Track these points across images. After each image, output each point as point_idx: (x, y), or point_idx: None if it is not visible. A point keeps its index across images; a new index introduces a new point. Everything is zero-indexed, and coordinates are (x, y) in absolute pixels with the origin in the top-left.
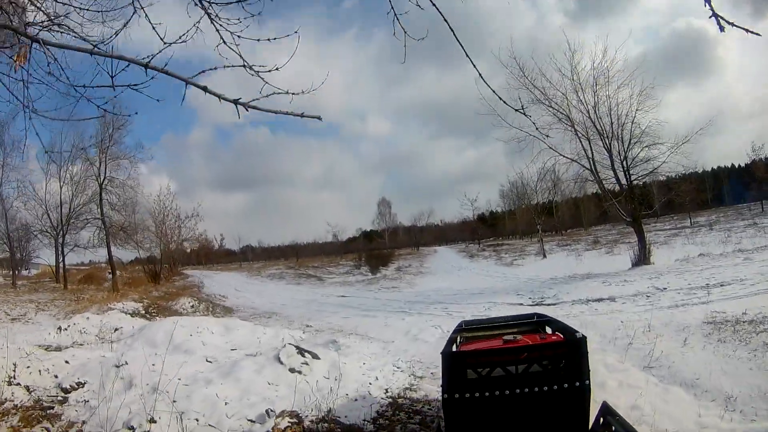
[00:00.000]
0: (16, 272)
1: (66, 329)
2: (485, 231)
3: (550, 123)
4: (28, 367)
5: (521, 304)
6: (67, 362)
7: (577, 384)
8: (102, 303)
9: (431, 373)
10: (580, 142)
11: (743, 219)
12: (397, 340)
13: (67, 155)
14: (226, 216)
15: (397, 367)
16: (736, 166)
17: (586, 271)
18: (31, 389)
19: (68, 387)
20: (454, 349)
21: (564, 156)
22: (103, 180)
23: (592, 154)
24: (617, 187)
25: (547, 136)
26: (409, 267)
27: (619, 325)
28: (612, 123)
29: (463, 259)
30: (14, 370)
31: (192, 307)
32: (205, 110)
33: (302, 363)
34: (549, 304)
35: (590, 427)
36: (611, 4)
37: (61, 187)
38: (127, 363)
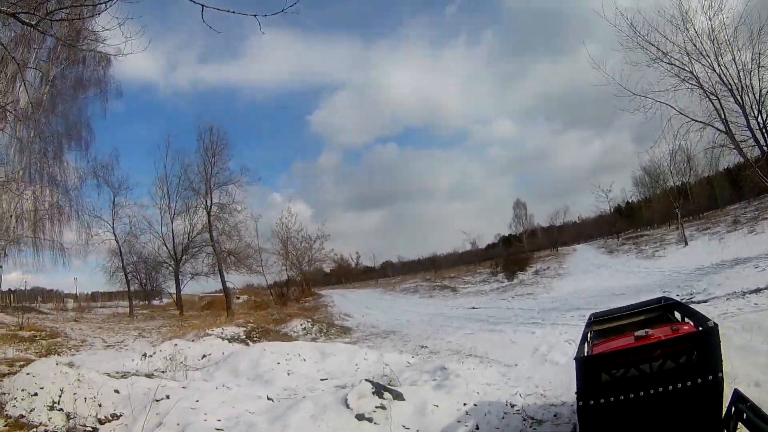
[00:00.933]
0: (149, 302)
1: (151, 356)
2: (622, 223)
3: (674, 85)
4: (75, 393)
5: None
6: (116, 391)
7: (710, 378)
8: (202, 328)
9: (554, 416)
10: (710, 100)
11: None
12: (521, 362)
13: (175, 186)
14: (363, 234)
15: (512, 405)
16: None
17: (732, 256)
18: (71, 416)
19: (104, 417)
20: (586, 350)
21: (695, 120)
22: (210, 206)
23: (725, 114)
24: (757, 151)
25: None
26: (547, 270)
27: None
28: (739, 72)
29: (602, 256)
30: (60, 396)
31: (304, 329)
32: (331, 133)
33: (377, 407)
34: (700, 301)
35: (722, 416)
36: None
37: (172, 219)
38: (168, 397)
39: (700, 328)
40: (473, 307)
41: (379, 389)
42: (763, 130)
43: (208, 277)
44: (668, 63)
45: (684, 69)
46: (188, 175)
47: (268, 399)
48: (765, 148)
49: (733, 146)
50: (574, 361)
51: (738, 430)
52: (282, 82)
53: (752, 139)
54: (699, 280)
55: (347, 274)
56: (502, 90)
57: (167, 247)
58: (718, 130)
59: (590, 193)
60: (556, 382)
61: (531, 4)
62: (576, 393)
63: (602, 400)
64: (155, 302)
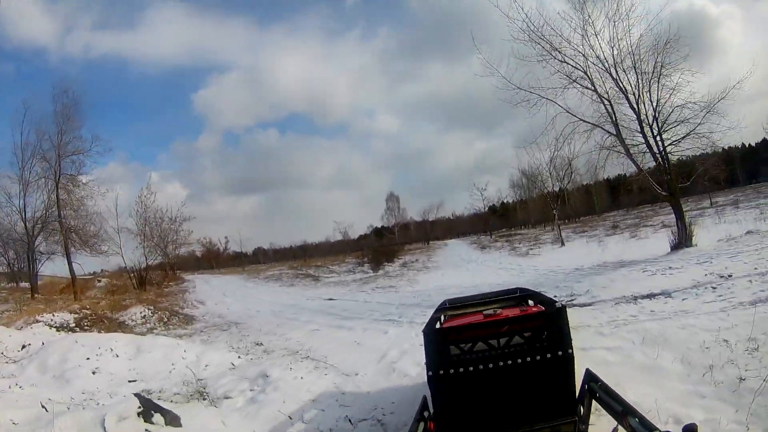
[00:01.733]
0: (16, 283)
1: None
2: (497, 222)
3: (564, 84)
4: None
5: None
6: None
7: (560, 353)
8: (34, 314)
9: None
10: (602, 104)
11: (766, 197)
12: (364, 370)
13: (29, 155)
14: (240, 219)
15: None
16: (747, 146)
17: (615, 258)
18: None
19: None
20: (437, 326)
21: (584, 120)
22: (59, 177)
23: (616, 118)
24: (649, 156)
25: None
26: (415, 262)
27: (702, 339)
28: (639, 79)
29: (474, 251)
30: None
31: (143, 317)
32: (214, 114)
33: None
34: (583, 304)
35: (577, 395)
36: None
37: (24, 191)
38: None
39: (546, 308)
40: (330, 299)
41: (148, 409)
42: (657, 138)
43: (52, 257)
44: (561, 61)
45: (578, 68)
46: (41, 143)
47: (42, 407)
48: (658, 155)
49: (622, 151)
50: (423, 334)
51: (592, 406)
52: (172, 58)
53: (644, 145)
54: (579, 280)
55: (217, 259)
56: (391, 86)
57: (24, 223)
58: (609, 132)
59: (466, 191)
60: (401, 403)
61: (433, 7)
62: (426, 364)
63: (451, 371)
64: (24, 284)
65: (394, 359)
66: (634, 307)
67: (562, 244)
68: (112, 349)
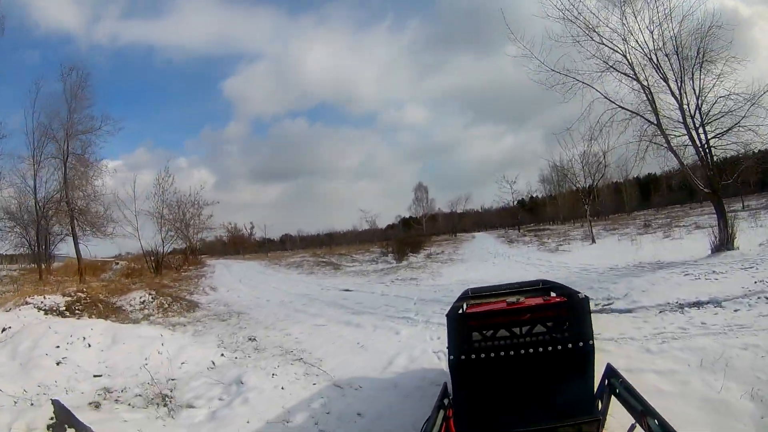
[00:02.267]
0: (38, 265)
1: None
2: (525, 216)
3: (602, 69)
4: None
5: None
6: None
7: (581, 344)
8: (26, 295)
9: None
10: (643, 91)
11: None
12: (361, 382)
13: (39, 134)
14: (266, 207)
15: None
16: None
17: (652, 258)
18: None
19: None
20: (459, 312)
21: (624, 108)
22: (66, 157)
23: (656, 106)
24: (690, 150)
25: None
26: (441, 254)
27: None
28: (680, 64)
29: (502, 245)
30: None
31: (142, 302)
32: (242, 102)
33: None
34: (622, 310)
35: (596, 390)
36: None
37: (35, 172)
38: None
39: (569, 298)
40: (346, 290)
41: (61, 422)
42: (699, 130)
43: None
44: (598, 43)
45: (617, 52)
46: (51, 123)
47: None
48: (701, 149)
49: (663, 143)
50: (446, 318)
51: (610, 402)
52: (201, 46)
53: (686, 137)
54: (615, 282)
55: (243, 245)
56: (419, 78)
57: (35, 204)
58: (649, 122)
59: (495, 184)
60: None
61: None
62: (447, 348)
63: (473, 356)
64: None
65: (400, 369)
66: (682, 317)
67: (593, 241)
68: (84, 338)
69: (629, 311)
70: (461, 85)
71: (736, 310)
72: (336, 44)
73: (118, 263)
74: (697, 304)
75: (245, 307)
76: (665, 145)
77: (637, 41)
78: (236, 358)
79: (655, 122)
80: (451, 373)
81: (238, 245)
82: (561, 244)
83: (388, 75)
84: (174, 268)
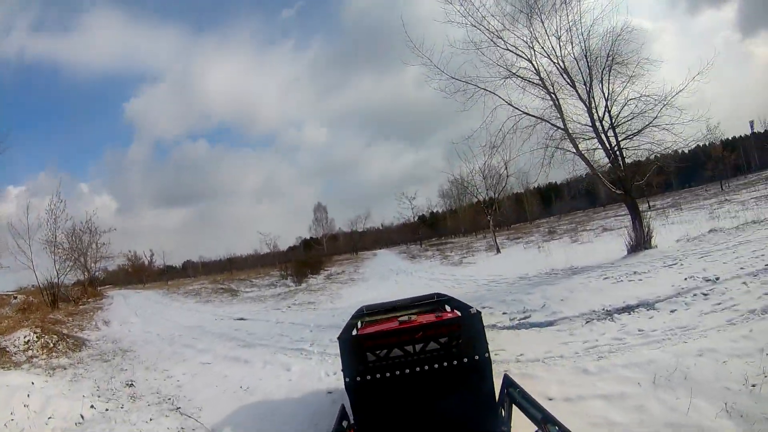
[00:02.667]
0: None
1: None
2: (426, 232)
3: (506, 76)
4: None
5: (495, 326)
6: None
7: (476, 358)
8: None
9: None
10: (549, 96)
11: (706, 198)
12: None
13: None
14: (170, 232)
15: None
16: (680, 152)
17: (564, 264)
18: None
19: None
20: (353, 333)
21: (528, 114)
22: None
23: (562, 111)
24: (600, 154)
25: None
26: (341, 274)
27: (740, 372)
28: (590, 68)
29: (404, 261)
30: None
31: (26, 342)
32: (144, 124)
33: None
34: (542, 324)
35: (497, 399)
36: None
37: None
38: None
39: (462, 313)
40: (240, 318)
41: None
42: (608, 133)
43: None
44: (504, 49)
45: (522, 57)
46: None
47: None
48: (611, 151)
49: (570, 148)
50: (338, 341)
51: (512, 410)
52: (106, 65)
53: (596, 140)
54: (529, 292)
55: (145, 273)
56: (320, 97)
57: None
58: (556, 126)
59: (395, 200)
60: None
61: (365, 18)
62: (342, 370)
63: (369, 377)
64: None
65: (286, 419)
66: (614, 326)
67: (498, 251)
68: None
69: (551, 324)
70: (362, 104)
71: (673, 311)
72: (238, 64)
73: (16, 297)
74: (627, 309)
75: (133, 344)
76: (573, 150)
77: (543, 47)
78: (107, 410)
79: (562, 127)
80: (349, 395)
81: (140, 274)
82: (465, 257)
83: (289, 94)
84: (72, 301)
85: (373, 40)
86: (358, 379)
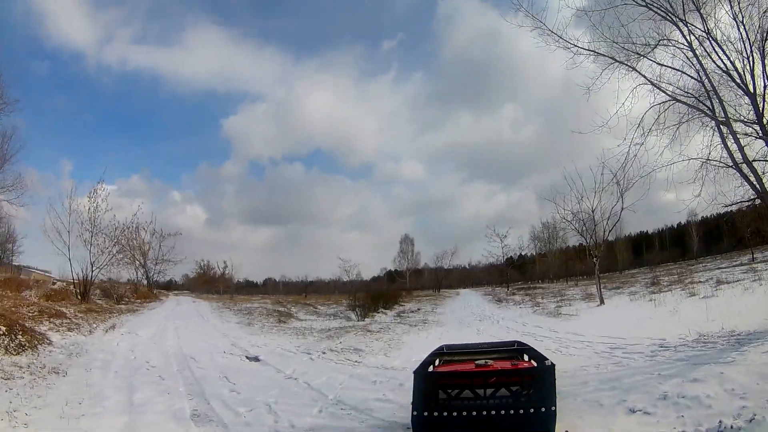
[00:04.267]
0: None
1: None
2: (513, 274)
3: (653, 41)
4: None
5: None
6: None
7: (543, 410)
8: None
9: None
10: (701, 79)
11: None
12: None
13: None
14: (256, 249)
15: None
16: None
17: (713, 327)
18: None
19: None
20: (429, 369)
21: (678, 99)
22: None
23: (721, 100)
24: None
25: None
26: (415, 312)
27: None
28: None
29: (488, 304)
30: None
31: None
32: (241, 142)
33: None
34: None
35: None
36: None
37: None
38: None
39: (537, 365)
40: (254, 358)
41: None
42: None
43: None
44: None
45: (667, 18)
46: None
47: None
48: None
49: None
50: (413, 374)
51: None
52: (206, 81)
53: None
54: (696, 378)
55: (219, 284)
56: (418, 132)
57: None
58: (711, 117)
59: (485, 237)
60: None
61: (465, 55)
62: (412, 404)
63: (436, 413)
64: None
65: None
66: None
67: (602, 302)
68: None
69: None
70: (458, 142)
71: None
72: (338, 92)
73: (55, 282)
74: None
75: (83, 364)
76: (737, 159)
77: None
78: None
79: (723, 119)
80: (414, 428)
81: (210, 284)
82: (561, 306)
83: (388, 128)
84: (115, 298)
85: (472, 78)
86: (426, 414)
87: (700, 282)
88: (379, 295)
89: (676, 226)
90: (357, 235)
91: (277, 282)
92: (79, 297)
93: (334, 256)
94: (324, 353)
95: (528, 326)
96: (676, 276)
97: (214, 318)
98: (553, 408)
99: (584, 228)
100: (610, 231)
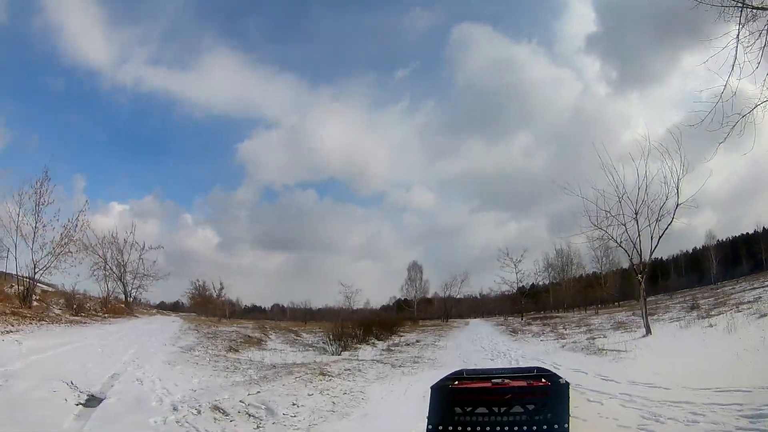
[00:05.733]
0: None
1: None
2: (526, 304)
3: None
4: None
5: None
6: None
7: (556, 427)
8: None
9: None
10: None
11: None
12: None
13: None
14: (267, 275)
15: None
16: None
17: None
18: None
19: None
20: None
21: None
22: None
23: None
24: None
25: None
26: (411, 346)
27: None
28: None
29: (502, 336)
30: None
31: None
32: (255, 167)
33: None
34: None
35: None
36: (651, 71)
37: None
38: None
39: (551, 384)
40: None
41: None
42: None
43: None
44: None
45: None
46: None
47: None
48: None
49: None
50: (430, 389)
51: None
52: (220, 105)
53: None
54: None
55: (213, 306)
56: (429, 161)
57: None
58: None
59: (497, 262)
60: None
61: (477, 83)
62: (427, 418)
63: (450, 428)
64: None
65: None
66: None
67: (649, 331)
68: None
69: None
70: (470, 170)
71: None
72: (352, 120)
73: (12, 286)
74: None
75: None
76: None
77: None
78: None
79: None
80: None
81: (205, 306)
82: (594, 338)
83: (400, 156)
84: (75, 309)
85: (484, 106)
86: (441, 429)
87: (750, 302)
88: (372, 323)
89: (691, 251)
90: (368, 264)
91: (284, 308)
92: (21, 301)
93: (352, 285)
94: (213, 409)
95: (563, 369)
96: (712, 299)
97: (159, 341)
98: (566, 425)
99: (626, 235)
100: (661, 236)
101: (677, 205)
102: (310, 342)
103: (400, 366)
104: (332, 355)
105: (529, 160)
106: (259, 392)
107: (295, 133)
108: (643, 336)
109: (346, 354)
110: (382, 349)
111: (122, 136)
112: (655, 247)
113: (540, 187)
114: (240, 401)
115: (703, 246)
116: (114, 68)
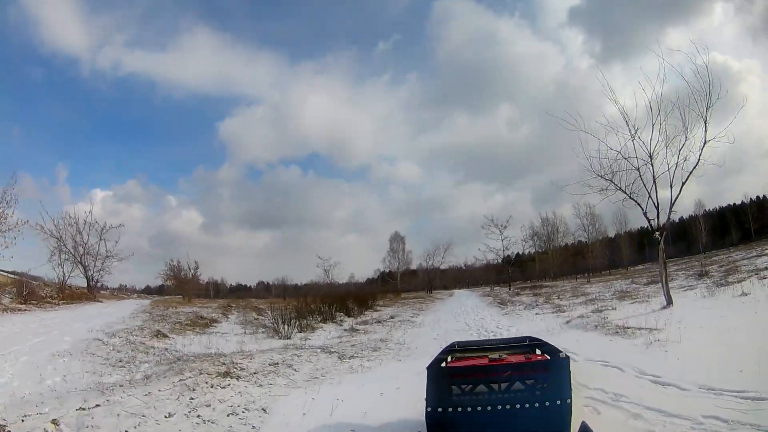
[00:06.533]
0: None
1: None
2: (513, 273)
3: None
4: None
5: None
6: None
7: (558, 402)
8: None
9: None
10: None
11: None
12: None
13: None
14: (253, 253)
15: None
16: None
17: None
18: None
19: None
20: (442, 365)
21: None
22: None
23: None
24: None
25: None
26: (384, 323)
27: None
28: None
29: (490, 309)
30: None
31: None
32: (237, 145)
33: None
34: None
35: None
36: (635, 44)
37: None
38: None
39: (551, 357)
40: None
41: None
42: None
43: None
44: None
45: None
46: None
47: None
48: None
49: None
50: (426, 369)
51: None
52: (201, 85)
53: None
54: None
55: (185, 287)
56: (414, 134)
57: None
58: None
59: (482, 229)
60: None
61: (460, 57)
62: (426, 400)
63: (450, 409)
64: None
65: None
66: None
67: (670, 302)
68: None
69: None
70: (454, 144)
71: None
72: (334, 95)
73: None
74: None
75: None
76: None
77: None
78: None
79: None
80: (427, 425)
81: (182, 287)
82: (600, 310)
83: (384, 129)
84: (23, 296)
85: (467, 79)
86: (440, 410)
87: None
88: (347, 297)
89: (677, 220)
90: (354, 238)
91: (269, 285)
92: None
93: (330, 258)
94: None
95: (581, 359)
96: (716, 266)
97: (89, 327)
98: (569, 400)
99: (639, 180)
100: (685, 181)
101: (704, 142)
102: (268, 323)
103: (351, 357)
104: (280, 339)
105: (513, 132)
106: (98, 405)
107: (277, 110)
108: (664, 307)
109: (298, 337)
110: (345, 329)
111: (104, 121)
112: (677, 197)
113: (525, 159)
114: (59, 417)
115: (690, 216)
116: (93, 54)
